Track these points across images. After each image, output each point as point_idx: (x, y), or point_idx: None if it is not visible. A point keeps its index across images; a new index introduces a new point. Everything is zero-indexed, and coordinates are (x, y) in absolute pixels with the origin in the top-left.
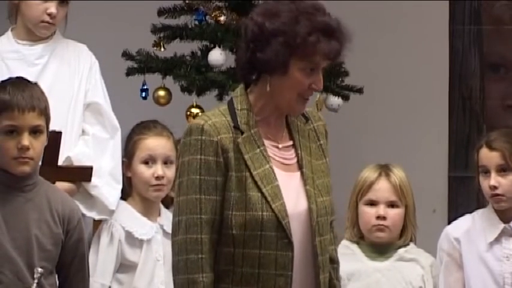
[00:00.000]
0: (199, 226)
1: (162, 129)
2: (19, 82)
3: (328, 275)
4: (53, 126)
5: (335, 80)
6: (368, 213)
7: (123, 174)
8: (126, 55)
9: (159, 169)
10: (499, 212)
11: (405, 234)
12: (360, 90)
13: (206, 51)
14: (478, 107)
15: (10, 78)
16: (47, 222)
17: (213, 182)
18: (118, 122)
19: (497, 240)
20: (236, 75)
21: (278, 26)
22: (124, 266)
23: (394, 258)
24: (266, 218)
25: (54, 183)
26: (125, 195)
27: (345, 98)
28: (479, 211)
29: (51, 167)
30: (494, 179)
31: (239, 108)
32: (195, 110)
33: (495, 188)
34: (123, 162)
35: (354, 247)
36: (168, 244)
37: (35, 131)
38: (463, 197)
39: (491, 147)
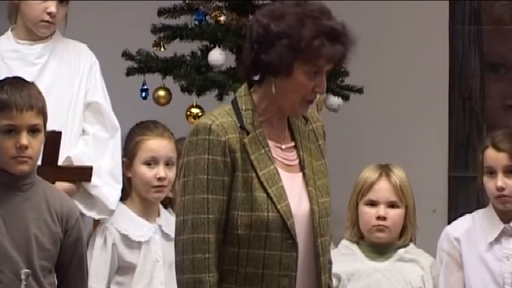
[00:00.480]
0: (206, 226)
1: (163, 130)
2: (16, 82)
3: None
4: (53, 126)
5: (335, 80)
6: (368, 214)
7: (123, 175)
8: (126, 55)
9: (161, 170)
10: (500, 212)
11: (405, 234)
12: (360, 90)
13: (206, 51)
14: (478, 107)
15: (7, 78)
16: (45, 221)
17: (221, 182)
18: (118, 122)
19: (497, 240)
20: (236, 75)
21: (283, 29)
22: (123, 268)
23: (394, 258)
24: (271, 218)
25: (54, 183)
26: (124, 196)
27: (345, 98)
28: (480, 211)
29: (51, 167)
30: (501, 180)
31: (244, 108)
32: (195, 110)
33: (502, 189)
34: (123, 162)
35: (354, 247)
36: (167, 245)
37: (33, 130)
38: (463, 197)
39: (498, 148)
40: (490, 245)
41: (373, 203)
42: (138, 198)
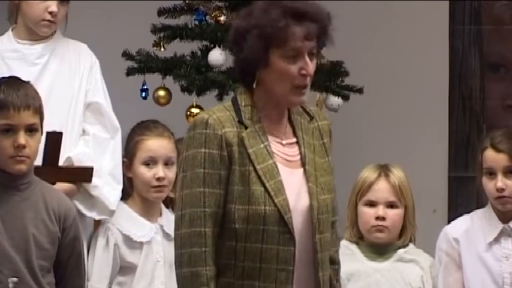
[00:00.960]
0: (202, 219)
1: (163, 130)
2: (13, 81)
3: (328, 275)
4: (53, 126)
5: (335, 80)
6: (367, 214)
7: (124, 175)
8: (126, 55)
9: (160, 170)
10: (498, 212)
11: (405, 234)
12: (360, 90)
13: (206, 51)
14: (478, 107)
15: (3, 78)
16: (43, 220)
17: (217, 176)
18: (118, 122)
19: (496, 240)
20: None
21: (251, 22)
22: (124, 268)
23: (394, 258)
24: (269, 212)
25: (54, 183)
26: (125, 196)
27: (345, 98)
28: (478, 211)
29: (52, 167)
30: (501, 181)
31: (243, 104)
32: (195, 110)
33: (502, 190)
34: (123, 162)
35: (354, 247)
36: (168, 245)
37: (30, 130)
38: (463, 197)
39: (498, 149)
40: (489, 245)
41: (372, 203)
42: (139, 198)
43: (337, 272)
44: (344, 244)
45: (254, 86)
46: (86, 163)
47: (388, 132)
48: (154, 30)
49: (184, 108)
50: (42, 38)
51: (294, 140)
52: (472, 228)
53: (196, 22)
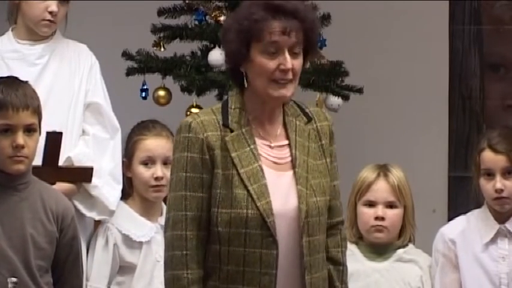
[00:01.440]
0: (183, 223)
1: (161, 130)
2: (11, 81)
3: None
4: (53, 126)
5: (335, 80)
6: (366, 214)
7: (124, 175)
8: (126, 55)
9: (158, 170)
10: (495, 213)
11: (404, 234)
12: (360, 90)
13: (206, 51)
14: (478, 107)
15: (1, 77)
16: (41, 220)
17: (199, 179)
18: (118, 122)
19: (493, 240)
20: None
21: (233, 19)
22: (123, 268)
23: (393, 258)
24: (251, 216)
25: (54, 183)
26: (125, 196)
27: (345, 98)
28: (474, 212)
29: (52, 167)
30: (500, 182)
31: (233, 107)
32: (195, 110)
33: (501, 191)
34: (123, 162)
35: (353, 247)
36: None
37: (29, 130)
38: (463, 197)
39: (496, 151)
40: (485, 246)
41: (371, 204)
42: (139, 198)
43: (341, 273)
44: None
45: (246, 85)
46: (86, 163)
47: (388, 132)
48: (154, 30)
49: (184, 108)
50: (42, 38)
51: (286, 142)
52: (468, 229)
53: (196, 22)
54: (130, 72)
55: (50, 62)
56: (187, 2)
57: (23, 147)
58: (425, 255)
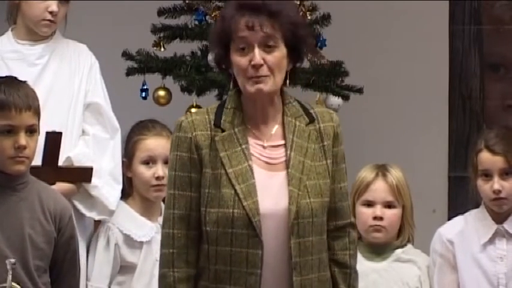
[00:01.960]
0: (171, 221)
1: (161, 129)
2: (11, 81)
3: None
4: (53, 126)
5: (335, 80)
6: (365, 214)
7: (123, 175)
8: (126, 55)
9: (159, 169)
10: (493, 213)
11: (403, 234)
12: (360, 90)
13: (206, 51)
14: (478, 107)
15: (1, 77)
16: (39, 220)
17: (187, 178)
18: (118, 122)
19: (491, 241)
20: None
21: (216, 23)
22: (123, 268)
23: (392, 258)
24: (237, 215)
25: (54, 183)
26: (125, 196)
27: (345, 98)
28: (472, 212)
29: (52, 167)
30: (497, 183)
31: (228, 107)
32: (195, 110)
33: (499, 191)
34: (123, 162)
35: None
36: None
37: (30, 131)
38: (463, 197)
39: (494, 152)
40: (483, 246)
41: (369, 203)
42: (140, 198)
43: (348, 276)
44: None
45: (231, 87)
46: (86, 163)
47: (388, 132)
48: (154, 30)
49: (184, 108)
50: (42, 38)
51: (282, 142)
52: (466, 230)
53: (196, 22)
54: (130, 72)
55: (49, 62)
56: (187, 2)
57: (25, 148)
58: (424, 256)
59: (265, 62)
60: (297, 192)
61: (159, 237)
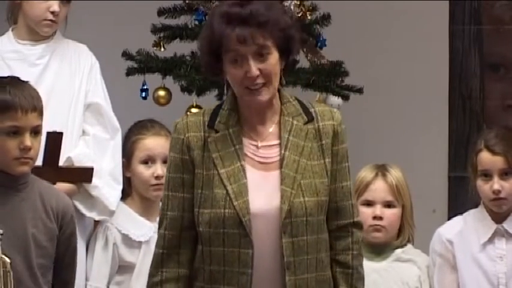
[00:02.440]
0: (164, 222)
1: (160, 129)
2: (16, 82)
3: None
4: (53, 126)
5: (335, 80)
6: (364, 214)
7: (123, 175)
8: (126, 55)
9: (158, 169)
10: (492, 213)
11: (402, 234)
12: (360, 90)
13: None
14: (478, 107)
15: (4, 78)
16: (41, 219)
17: (179, 179)
18: (118, 122)
19: (490, 240)
20: None
21: (202, 32)
22: (122, 268)
23: (391, 258)
24: (228, 215)
25: (55, 184)
26: (124, 195)
27: (345, 98)
28: (471, 212)
29: (52, 167)
30: (497, 183)
31: (225, 108)
32: (195, 110)
33: (499, 192)
34: (122, 162)
35: None
36: None
37: (35, 132)
38: (463, 197)
39: (494, 152)
40: (483, 246)
41: (369, 203)
42: (138, 197)
43: (350, 277)
44: None
45: (225, 92)
46: (86, 163)
47: (388, 132)
48: (154, 30)
49: (184, 108)
50: (42, 39)
51: (277, 142)
52: (465, 229)
53: (196, 22)
54: (130, 72)
55: (50, 62)
56: (187, 2)
57: (30, 149)
58: (423, 255)
59: (260, 71)
60: (289, 191)
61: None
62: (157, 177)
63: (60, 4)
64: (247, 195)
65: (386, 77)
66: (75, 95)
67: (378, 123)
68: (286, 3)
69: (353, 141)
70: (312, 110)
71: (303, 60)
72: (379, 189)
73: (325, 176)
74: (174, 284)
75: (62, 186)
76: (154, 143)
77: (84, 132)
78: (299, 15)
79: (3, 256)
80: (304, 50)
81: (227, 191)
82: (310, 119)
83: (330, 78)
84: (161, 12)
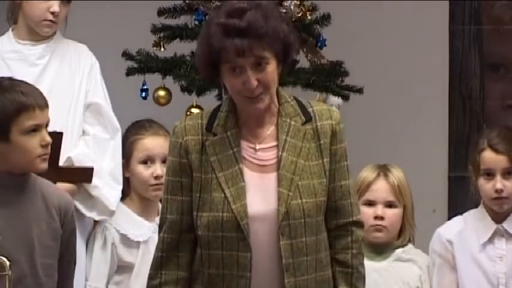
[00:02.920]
0: (163, 225)
1: (158, 128)
2: (20, 81)
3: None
4: (53, 127)
5: (335, 80)
6: (366, 214)
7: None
8: (126, 55)
9: (157, 169)
10: (492, 213)
11: (403, 234)
12: (360, 90)
13: None
14: (478, 107)
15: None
16: (44, 218)
17: (178, 183)
18: (118, 122)
19: (490, 240)
20: None
21: (199, 40)
22: (121, 268)
23: (392, 258)
24: (226, 218)
25: (55, 183)
26: (123, 195)
27: (345, 98)
28: (471, 212)
29: (53, 167)
30: (500, 182)
31: (223, 110)
32: (195, 110)
33: (502, 191)
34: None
35: None
36: None
37: (47, 127)
38: (463, 197)
39: (497, 151)
40: (483, 246)
41: (370, 203)
42: (137, 197)
43: (350, 276)
44: None
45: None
46: (86, 163)
47: (388, 132)
48: (154, 30)
49: (184, 108)
50: (43, 39)
51: (274, 143)
52: (465, 230)
53: (196, 22)
54: (130, 72)
55: (50, 62)
56: (187, 2)
57: (49, 144)
58: (424, 255)
59: (258, 81)
60: (286, 193)
61: (156, 237)
62: (156, 177)
63: (60, 4)
64: (245, 198)
65: (386, 77)
66: (75, 95)
67: (377, 123)
68: (286, 3)
69: (353, 141)
70: (310, 109)
71: (303, 60)
72: (380, 189)
73: (324, 176)
74: (173, 286)
75: (62, 186)
76: (153, 143)
77: (84, 132)
78: (299, 15)
79: (1, 257)
80: (304, 50)
81: (225, 194)
82: (308, 119)
83: (330, 78)
84: (161, 12)
